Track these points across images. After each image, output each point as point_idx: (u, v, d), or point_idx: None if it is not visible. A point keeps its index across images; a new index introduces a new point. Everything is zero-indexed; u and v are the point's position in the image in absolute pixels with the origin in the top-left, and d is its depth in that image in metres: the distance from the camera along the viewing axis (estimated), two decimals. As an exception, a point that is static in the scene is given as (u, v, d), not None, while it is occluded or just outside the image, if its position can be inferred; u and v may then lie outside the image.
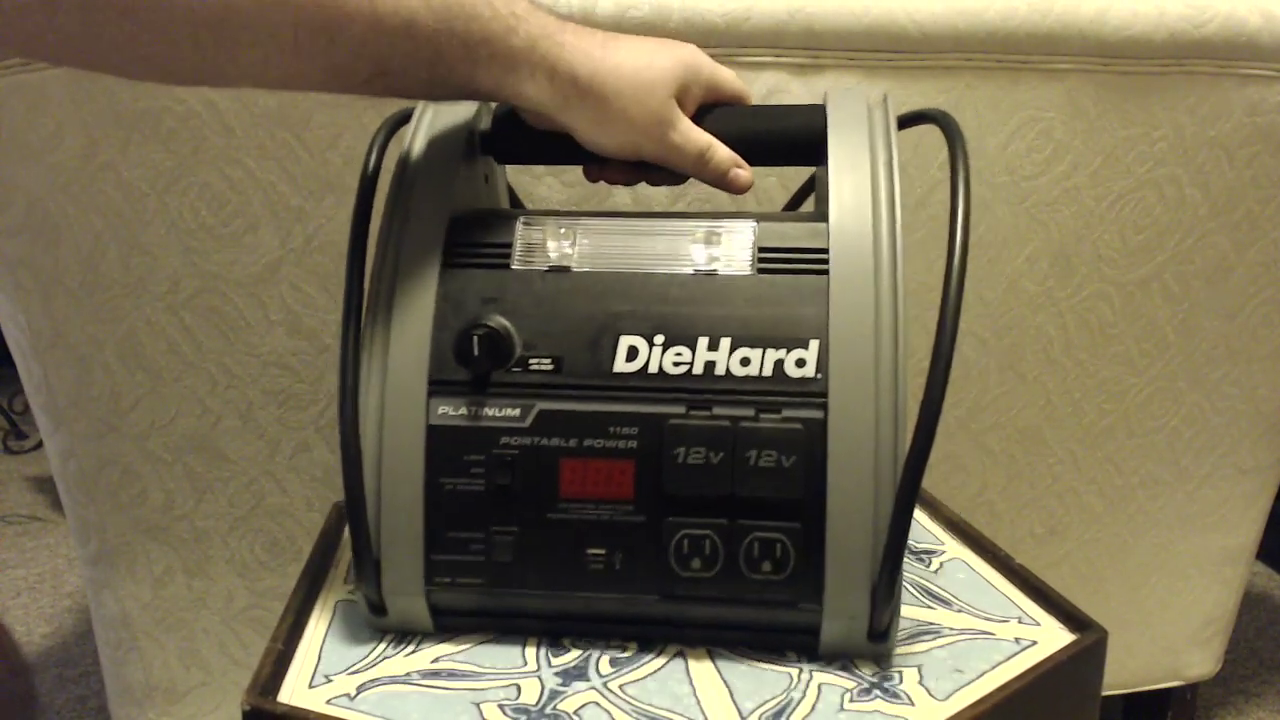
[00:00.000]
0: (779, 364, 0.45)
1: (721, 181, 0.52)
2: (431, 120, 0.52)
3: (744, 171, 0.52)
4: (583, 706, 0.42)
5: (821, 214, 0.48)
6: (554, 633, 0.48)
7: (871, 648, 0.46)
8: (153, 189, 0.68)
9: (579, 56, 0.46)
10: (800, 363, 0.45)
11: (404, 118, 0.52)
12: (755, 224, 0.48)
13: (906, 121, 0.52)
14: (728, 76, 0.53)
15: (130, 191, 0.68)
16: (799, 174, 0.69)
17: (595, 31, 0.48)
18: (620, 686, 0.44)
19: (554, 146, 0.55)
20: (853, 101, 0.51)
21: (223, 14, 0.37)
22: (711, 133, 0.53)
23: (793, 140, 0.53)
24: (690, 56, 0.50)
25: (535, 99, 0.47)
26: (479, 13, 0.43)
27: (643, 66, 0.48)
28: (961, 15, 0.72)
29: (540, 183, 0.73)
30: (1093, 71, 0.75)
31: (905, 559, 0.53)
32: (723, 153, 0.51)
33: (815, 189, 0.61)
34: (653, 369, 0.45)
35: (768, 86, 0.72)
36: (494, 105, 0.55)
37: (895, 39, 0.72)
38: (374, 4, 0.40)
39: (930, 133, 0.62)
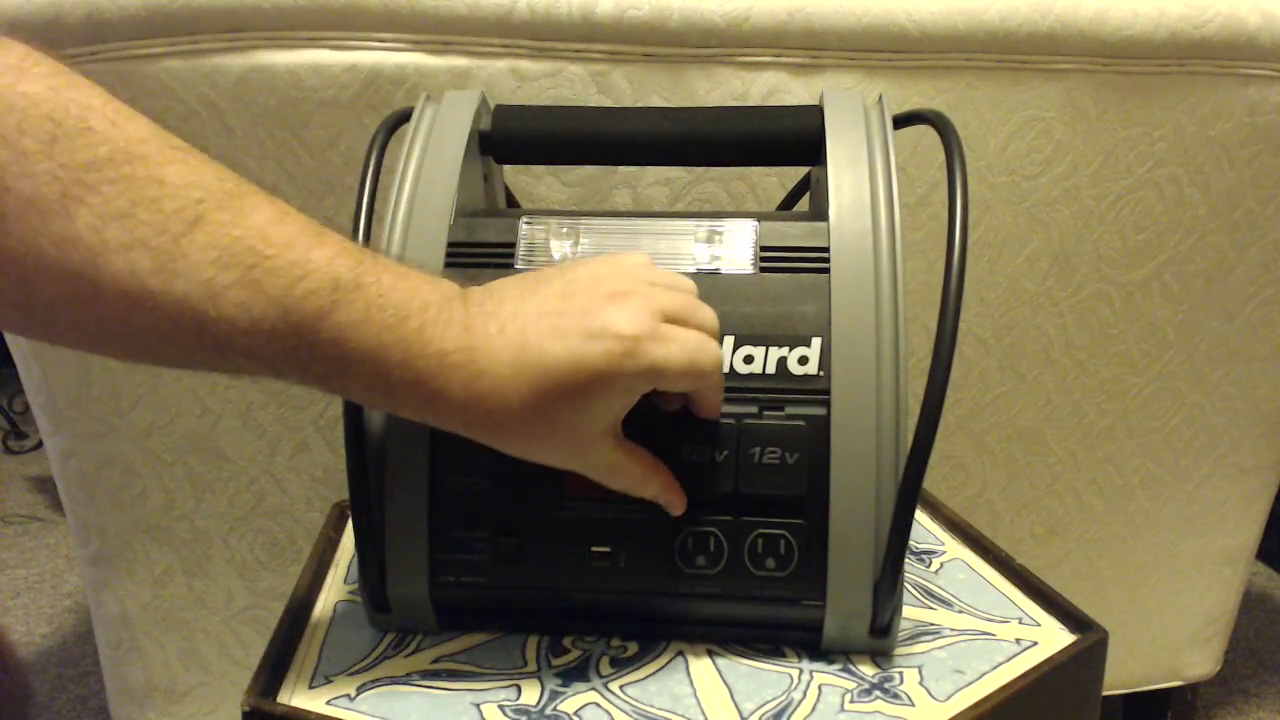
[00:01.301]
0: (782, 361, 0.45)
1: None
2: (432, 120, 0.52)
3: (676, 499, 0.44)
4: (583, 707, 0.42)
5: (820, 213, 0.48)
6: (558, 630, 0.48)
7: (873, 644, 0.46)
8: (153, 189, 0.68)
9: (464, 402, 0.38)
10: (803, 360, 0.45)
11: (404, 117, 0.52)
12: (756, 223, 0.48)
13: (902, 122, 0.52)
14: (683, 361, 0.39)
15: (130, 191, 0.68)
16: (798, 174, 0.69)
17: (483, 358, 0.38)
18: (620, 687, 0.44)
19: (554, 146, 0.55)
20: (849, 102, 0.51)
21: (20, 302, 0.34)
22: (709, 133, 0.53)
23: (790, 140, 0.53)
24: (600, 374, 0.38)
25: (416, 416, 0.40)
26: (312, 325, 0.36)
27: (541, 410, 0.38)
28: (961, 15, 0.72)
29: (540, 183, 0.73)
30: (1093, 71, 0.75)
31: (906, 558, 0.53)
32: (653, 486, 0.43)
33: (811, 189, 0.61)
34: None
35: (768, 86, 0.72)
36: (494, 106, 0.55)
37: (895, 39, 0.72)
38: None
39: (930, 132, 0.62)
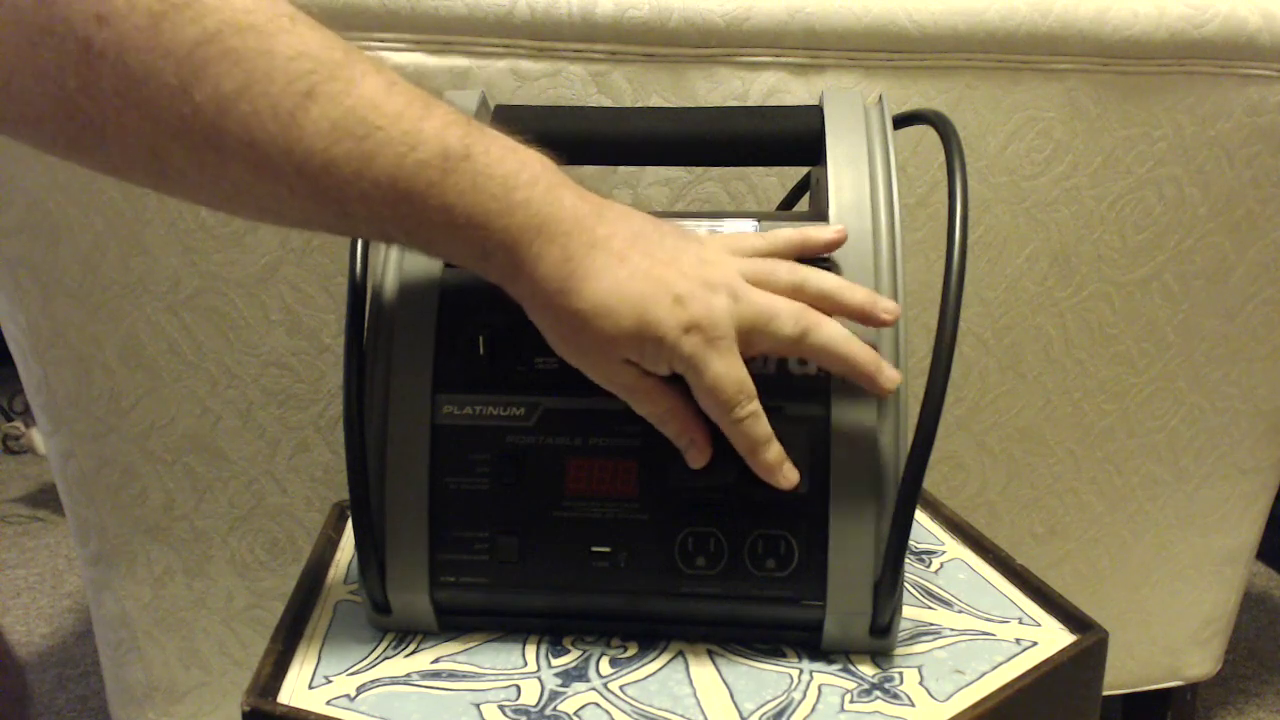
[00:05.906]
0: (782, 361, 0.45)
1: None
2: (432, 120, 0.52)
3: (696, 447, 0.44)
4: (583, 707, 0.42)
5: (820, 213, 0.48)
6: (559, 631, 0.48)
7: (874, 644, 0.46)
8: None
9: (544, 279, 0.40)
10: (803, 360, 0.45)
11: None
12: (756, 224, 0.48)
13: (902, 121, 0.52)
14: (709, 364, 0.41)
15: (130, 191, 0.68)
16: (798, 174, 0.69)
17: (577, 244, 0.40)
18: (620, 687, 0.44)
19: (554, 146, 0.55)
20: (849, 102, 0.51)
21: (227, 181, 0.37)
22: (709, 133, 0.53)
23: (790, 140, 0.53)
24: (657, 327, 0.40)
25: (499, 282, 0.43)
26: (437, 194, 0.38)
27: (596, 317, 0.40)
28: (961, 15, 0.72)
29: (540, 183, 0.73)
30: (1093, 71, 0.75)
31: (906, 558, 0.53)
32: (670, 426, 0.44)
33: (811, 189, 0.61)
34: None
35: (768, 86, 0.72)
36: (494, 106, 0.55)
37: (895, 39, 0.72)
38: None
39: (930, 132, 0.62)
